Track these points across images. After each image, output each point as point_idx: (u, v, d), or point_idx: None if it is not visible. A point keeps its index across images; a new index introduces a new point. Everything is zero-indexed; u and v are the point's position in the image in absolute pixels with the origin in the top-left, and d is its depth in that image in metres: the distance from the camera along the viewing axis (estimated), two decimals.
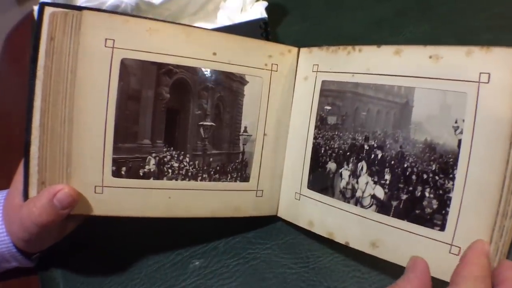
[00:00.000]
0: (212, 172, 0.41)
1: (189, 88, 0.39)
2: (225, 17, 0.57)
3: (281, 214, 0.44)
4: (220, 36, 0.40)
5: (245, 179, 0.42)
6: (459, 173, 0.32)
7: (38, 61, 0.36)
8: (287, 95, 0.43)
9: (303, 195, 0.42)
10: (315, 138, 0.41)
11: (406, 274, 0.32)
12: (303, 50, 0.43)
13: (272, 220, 0.46)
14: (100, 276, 0.44)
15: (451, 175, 0.32)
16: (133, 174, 0.38)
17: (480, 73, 0.31)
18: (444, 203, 0.33)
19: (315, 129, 0.41)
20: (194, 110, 0.40)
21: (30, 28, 0.64)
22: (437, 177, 0.33)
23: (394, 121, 0.36)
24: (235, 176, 0.41)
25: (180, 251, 0.45)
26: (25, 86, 0.61)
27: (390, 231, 0.35)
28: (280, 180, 0.44)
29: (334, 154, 0.40)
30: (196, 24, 0.58)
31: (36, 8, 0.51)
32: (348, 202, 0.38)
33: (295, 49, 0.43)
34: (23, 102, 0.58)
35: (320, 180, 0.41)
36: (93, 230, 0.45)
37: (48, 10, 0.36)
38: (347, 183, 0.39)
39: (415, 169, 0.35)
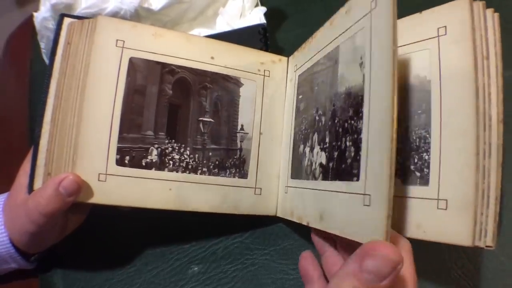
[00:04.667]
0: (211, 166, 0.46)
1: (189, 86, 0.46)
2: (224, 23, 0.62)
3: (279, 213, 0.48)
4: (217, 43, 0.48)
5: (243, 175, 0.47)
6: (366, 110, 0.33)
7: (55, 64, 0.44)
8: (279, 98, 0.50)
9: (289, 187, 0.47)
10: (294, 128, 0.47)
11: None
12: (290, 58, 0.51)
13: (271, 224, 0.50)
14: (100, 281, 0.48)
15: (360, 114, 0.33)
16: (136, 163, 0.44)
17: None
18: (357, 147, 0.33)
19: (294, 120, 0.47)
20: (194, 106, 0.47)
21: (30, 32, 0.68)
22: (352, 121, 0.35)
23: (330, 84, 0.41)
24: (233, 171, 0.47)
25: (178, 256, 0.49)
26: (26, 88, 0.67)
27: (330, 196, 0.37)
28: (278, 180, 0.49)
29: (302, 136, 0.45)
30: (195, 30, 0.63)
31: (36, 14, 0.58)
32: (309, 179, 0.42)
33: (284, 58, 0.51)
34: (22, 104, 0.64)
35: (296, 166, 0.45)
36: (92, 235, 0.50)
37: (67, 21, 0.45)
38: (308, 160, 0.43)
39: (340, 122, 0.37)
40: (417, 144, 0.37)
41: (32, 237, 0.43)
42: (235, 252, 0.49)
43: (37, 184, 0.42)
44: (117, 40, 0.44)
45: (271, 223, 0.50)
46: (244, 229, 0.50)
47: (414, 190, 0.36)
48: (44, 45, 0.60)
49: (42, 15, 0.57)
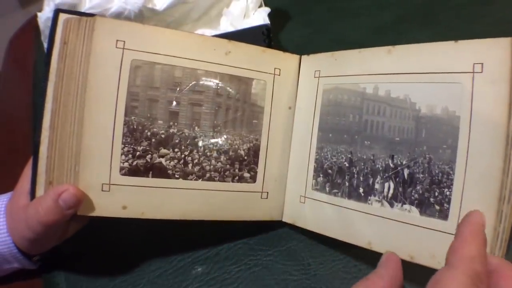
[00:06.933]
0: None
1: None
2: (228, 23, 0.63)
3: (286, 218, 0.49)
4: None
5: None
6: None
7: (51, 65, 0.42)
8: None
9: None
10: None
11: (378, 269, 0.36)
12: (304, 57, 0.50)
13: (274, 226, 0.50)
14: (103, 281, 0.48)
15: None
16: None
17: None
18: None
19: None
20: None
21: (34, 32, 0.69)
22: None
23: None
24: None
25: (182, 257, 0.49)
26: (29, 88, 0.68)
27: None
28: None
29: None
30: (198, 30, 0.64)
31: (39, 14, 0.59)
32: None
33: (297, 57, 0.50)
34: (26, 105, 0.65)
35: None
36: (96, 236, 0.50)
37: (62, 17, 0.43)
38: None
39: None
40: (439, 178, 0.37)
41: (30, 242, 0.44)
42: (238, 253, 0.49)
43: (39, 192, 0.42)
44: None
45: (274, 225, 0.50)
46: (248, 230, 0.50)
47: (432, 222, 0.37)
48: None
49: (46, 15, 0.58)
